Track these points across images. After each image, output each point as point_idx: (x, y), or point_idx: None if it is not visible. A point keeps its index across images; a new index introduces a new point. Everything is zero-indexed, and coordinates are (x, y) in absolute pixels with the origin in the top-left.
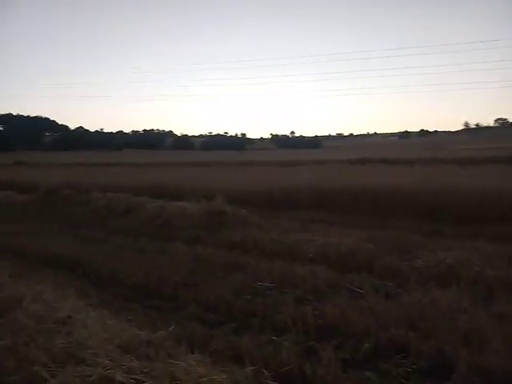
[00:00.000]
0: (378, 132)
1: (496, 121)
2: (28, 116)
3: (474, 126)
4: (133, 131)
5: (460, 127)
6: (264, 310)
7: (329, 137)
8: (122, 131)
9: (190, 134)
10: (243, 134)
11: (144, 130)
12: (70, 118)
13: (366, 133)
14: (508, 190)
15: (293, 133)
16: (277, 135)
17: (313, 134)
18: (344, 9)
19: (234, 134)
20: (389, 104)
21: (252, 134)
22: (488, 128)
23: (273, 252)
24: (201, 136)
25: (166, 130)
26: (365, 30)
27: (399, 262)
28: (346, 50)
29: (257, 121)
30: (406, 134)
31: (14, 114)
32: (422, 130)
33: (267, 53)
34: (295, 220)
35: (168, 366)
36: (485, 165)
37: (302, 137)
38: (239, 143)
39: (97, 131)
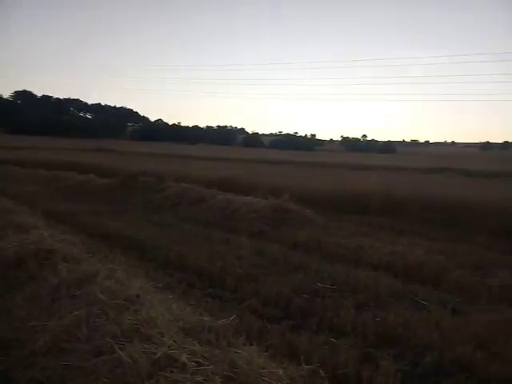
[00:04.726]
0: (455, 141)
1: None
2: (114, 106)
3: None
4: (207, 126)
5: None
6: (323, 311)
7: (402, 142)
8: (197, 126)
9: (260, 132)
10: (313, 135)
11: (218, 126)
12: (151, 110)
13: (442, 141)
14: None
15: (364, 136)
16: (347, 138)
17: (386, 139)
18: (419, 14)
19: (303, 135)
20: (469, 112)
21: (322, 136)
22: None
23: (336, 255)
24: (271, 135)
25: (239, 126)
26: (445, 35)
27: (470, 277)
28: (425, 55)
29: (327, 122)
30: (487, 145)
31: (103, 104)
32: (506, 142)
33: (340, 55)
34: (362, 225)
35: (229, 353)
36: None
37: (374, 141)
38: (308, 144)
39: (174, 124)
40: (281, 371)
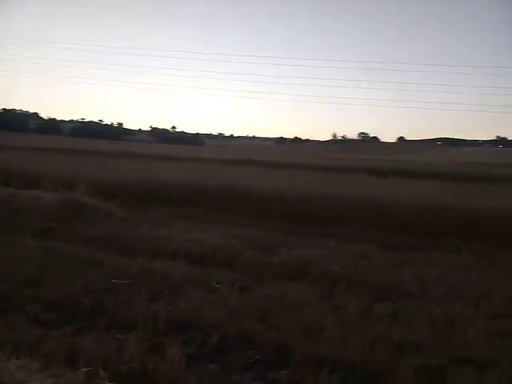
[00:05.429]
0: (256, 135)
1: (359, 134)
2: None
3: (340, 138)
4: None
5: (328, 138)
6: (115, 307)
7: (210, 135)
8: None
9: (58, 118)
10: (120, 124)
11: (4, 109)
12: None
13: (245, 135)
14: (360, 196)
15: (174, 127)
16: (157, 128)
17: (194, 131)
18: (237, 11)
19: (109, 123)
20: (267, 110)
21: (130, 125)
22: (352, 140)
23: (135, 248)
24: (71, 121)
25: (31, 111)
26: (256, 36)
27: (258, 257)
28: (236, 52)
29: (136, 112)
30: (281, 140)
31: None
32: (296, 138)
33: (153, 43)
34: (165, 215)
35: None
36: (346, 173)
37: (183, 132)
38: (115, 133)
39: None
40: (51, 380)
